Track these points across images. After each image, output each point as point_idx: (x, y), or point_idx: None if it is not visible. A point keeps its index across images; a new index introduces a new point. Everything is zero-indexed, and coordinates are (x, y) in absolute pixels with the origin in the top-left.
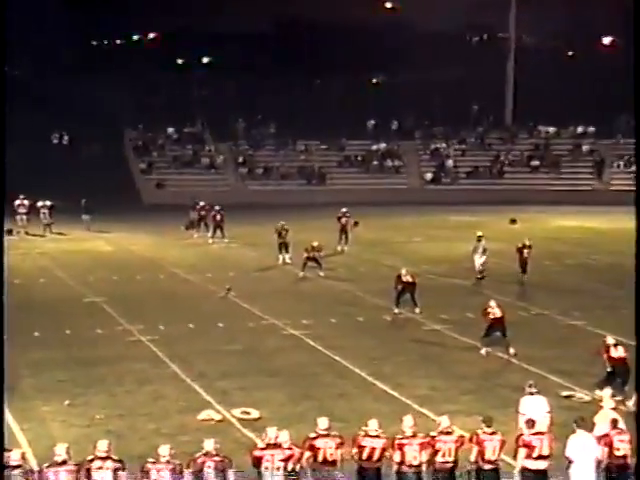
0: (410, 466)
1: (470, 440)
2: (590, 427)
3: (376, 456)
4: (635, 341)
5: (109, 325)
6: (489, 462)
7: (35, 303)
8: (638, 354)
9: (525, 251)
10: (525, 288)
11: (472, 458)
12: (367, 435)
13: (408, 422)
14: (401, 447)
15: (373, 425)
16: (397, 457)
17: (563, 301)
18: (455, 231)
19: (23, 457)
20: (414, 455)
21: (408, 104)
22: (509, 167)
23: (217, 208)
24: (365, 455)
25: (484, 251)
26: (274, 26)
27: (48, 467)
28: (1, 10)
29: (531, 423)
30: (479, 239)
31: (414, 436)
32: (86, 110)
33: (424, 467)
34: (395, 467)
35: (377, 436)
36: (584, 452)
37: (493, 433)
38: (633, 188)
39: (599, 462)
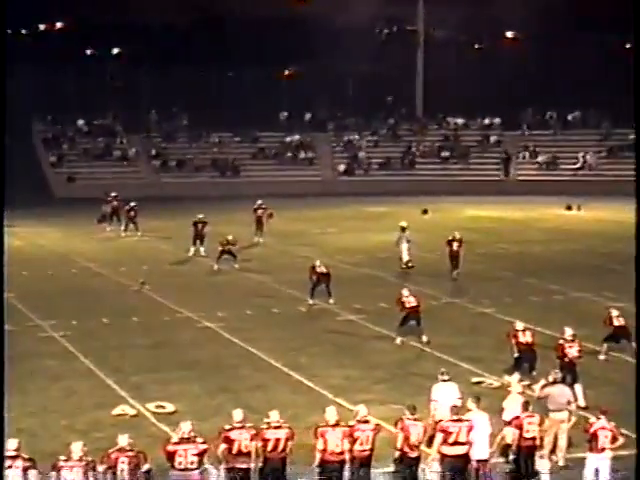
0: (332, 454)
1: (395, 427)
2: (499, 411)
3: (281, 447)
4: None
5: (19, 321)
6: (414, 448)
7: None
8: (639, 353)
9: (454, 244)
10: (436, 277)
11: (398, 445)
12: (270, 427)
13: (331, 412)
14: (323, 435)
15: (275, 416)
16: (320, 445)
17: (473, 289)
18: (369, 222)
19: None
20: (336, 443)
21: (320, 96)
22: (420, 158)
23: (131, 204)
24: (270, 447)
25: (408, 241)
26: (186, 17)
27: None
28: (1, 10)
29: (455, 410)
30: (403, 229)
31: (337, 424)
32: None
33: (347, 455)
34: (318, 455)
35: (279, 427)
36: (478, 429)
37: (417, 420)
38: (538, 178)
39: (508, 445)
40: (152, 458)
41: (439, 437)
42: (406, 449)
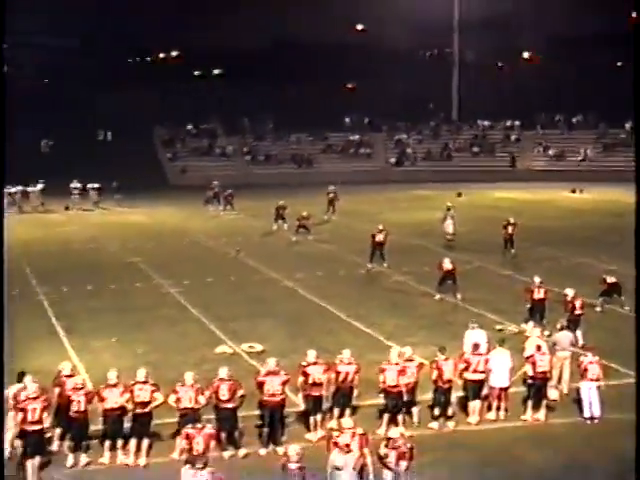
0: (390, 386)
1: (431, 365)
2: (520, 350)
3: (349, 378)
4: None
5: (145, 280)
6: (447, 382)
7: (88, 263)
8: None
9: (510, 227)
10: (468, 246)
11: (433, 377)
12: (342, 363)
13: (393, 353)
14: (383, 371)
15: (346, 354)
16: (381, 378)
17: (497, 256)
18: (414, 202)
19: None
20: (392, 378)
21: (377, 104)
22: (455, 152)
23: (229, 191)
24: (341, 378)
25: (452, 218)
26: (271, 42)
27: (104, 388)
28: (0, 11)
29: (475, 346)
30: (448, 208)
31: (397, 364)
32: (124, 113)
33: (403, 389)
34: (381, 386)
35: (350, 363)
36: (501, 363)
37: (447, 359)
38: (549, 168)
39: (524, 375)
40: (245, 386)
41: (461, 366)
42: (440, 383)
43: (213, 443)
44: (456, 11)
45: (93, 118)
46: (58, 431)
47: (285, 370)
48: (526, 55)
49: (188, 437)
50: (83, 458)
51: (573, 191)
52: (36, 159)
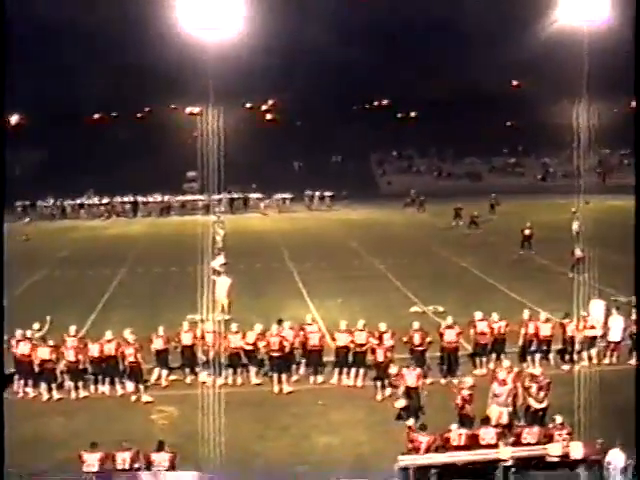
0: (532, 336)
1: (557, 325)
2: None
3: (502, 331)
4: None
5: (361, 258)
6: (569, 337)
7: (322, 246)
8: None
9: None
10: (590, 240)
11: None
12: (477, 320)
13: (526, 315)
14: (526, 325)
15: (478, 315)
16: (523, 330)
17: (614, 247)
18: (554, 208)
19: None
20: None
21: (528, 136)
22: (584, 172)
23: (422, 198)
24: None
25: (578, 219)
26: (451, 93)
27: (336, 332)
28: (0, 11)
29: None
30: (574, 212)
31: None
32: (350, 143)
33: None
34: (521, 340)
35: (485, 319)
36: (616, 323)
37: (570, 321)
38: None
39: (631, 332)
40: (432, 335)
41: (581, 324)
42: (565, 337)
43: (390, 354)
44: (585, 73)
45: (328, 147)
46: (303, 361)
47: (459, 325)
48: (633, 104)
49: (373, 351)
50: (319, 378)
51: None
52: (291, 176)
